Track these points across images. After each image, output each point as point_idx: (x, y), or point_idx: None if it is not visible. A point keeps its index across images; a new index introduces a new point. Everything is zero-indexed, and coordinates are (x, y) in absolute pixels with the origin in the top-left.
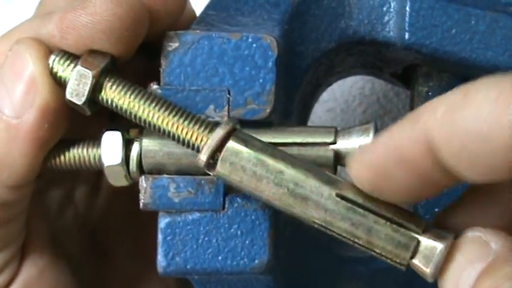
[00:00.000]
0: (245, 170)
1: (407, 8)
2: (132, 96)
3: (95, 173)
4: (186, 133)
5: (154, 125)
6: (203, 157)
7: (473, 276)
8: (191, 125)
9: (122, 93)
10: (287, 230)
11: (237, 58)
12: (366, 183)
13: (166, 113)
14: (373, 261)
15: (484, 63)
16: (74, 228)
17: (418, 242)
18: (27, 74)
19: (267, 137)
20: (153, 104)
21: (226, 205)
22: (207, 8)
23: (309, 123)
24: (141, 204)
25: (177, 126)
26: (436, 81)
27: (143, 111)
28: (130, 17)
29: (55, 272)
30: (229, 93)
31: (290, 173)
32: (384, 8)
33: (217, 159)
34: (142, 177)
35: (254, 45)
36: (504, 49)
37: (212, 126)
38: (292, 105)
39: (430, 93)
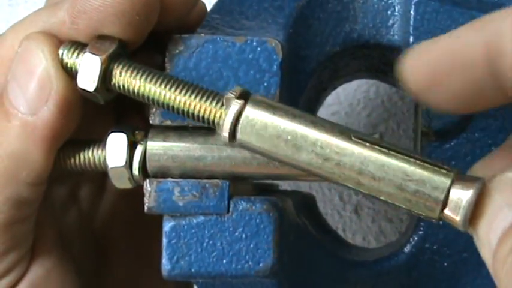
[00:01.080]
0: (265, 135)
1: (412, 12)
2: (143, 78)
3: (100, 173)
4: (204, 111)
5: (169, 105)
6: (225, 133)
7: (510, 218)
8: (207, 102)
9: (133, 76)
10: (291, 234)
11: (242, 62)
12: (418, 82)
13: (179, 92)
14: (377, 264)
15: None
16: (76, 228)
17: (449, 189)
18: (41, 71)
19: None
20: (165, 84)
21: (231, 208)
22: (212, 11)
23: None
24: (145, 208)
25: (193, 105)
26: None
27: (155, 92)
28: (141, 1)
29: (61, 272)
30: None
31: (313, 134)
32: (389, 12)
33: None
34: (147, 180)
35: (259, 48)
36: None
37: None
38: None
39: None
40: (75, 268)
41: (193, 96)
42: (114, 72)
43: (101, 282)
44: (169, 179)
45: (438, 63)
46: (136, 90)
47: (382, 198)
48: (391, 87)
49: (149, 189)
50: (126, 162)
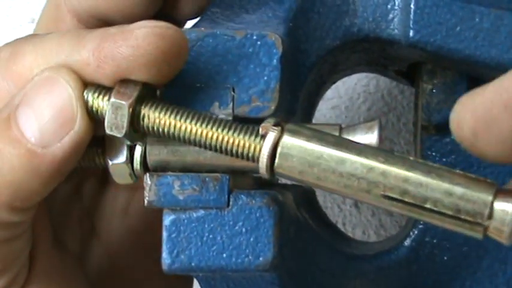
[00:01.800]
0: (303, 164)
1: (412, 6)
2: (171, 118)
3: (101, 170)
4: (237, 145)
5: (201, 142)
6: (262, 167)
7: None
8: (241, 136)
9: (161, 117)
10: (292, 228)
11: (242, 56)
12: (466, 129)
13: (211, 128)
14: (377, 258)
15: (489, 61)
16: (79, 227)
17: (492, 207)
18: (67, 109)
19: None
20: (195, 122)
21: (231, 202)
22: (212, 5)
23: (314, 121)
24: (145, 202)
25: (226, 139)
26: (440, 79)
27: (185, 130)
28: (172, 51)
29: (63, 275)
30: (233, 91)
31: (352, 160)
32: (389, 6)
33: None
34: (147, 174)
35: (259, 42)
36: (508, 46)
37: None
38: (297, 102)
39: (434, 91)
40: (77, 268)
41: (225, 131)
42: (141, 115)
43: (104, 279)
44: (169, 173)
45: (483, 110)
46: (166, 131)
47: (422, 218)
48: (391, 81)
49: (149, 183)
50: (127, 158)
